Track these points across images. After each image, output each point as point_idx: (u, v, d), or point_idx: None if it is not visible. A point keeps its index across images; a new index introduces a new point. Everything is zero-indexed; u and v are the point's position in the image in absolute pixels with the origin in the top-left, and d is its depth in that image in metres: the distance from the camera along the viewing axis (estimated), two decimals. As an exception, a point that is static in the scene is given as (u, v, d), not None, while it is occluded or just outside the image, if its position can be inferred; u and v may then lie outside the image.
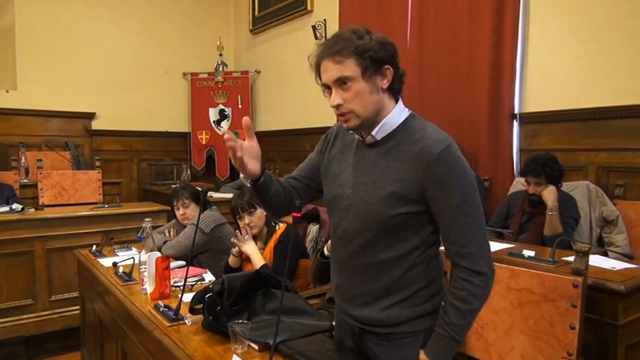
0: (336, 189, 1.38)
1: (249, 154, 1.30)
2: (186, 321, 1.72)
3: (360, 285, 1.35)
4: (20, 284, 3.41)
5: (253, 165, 1.31)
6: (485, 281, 1.24)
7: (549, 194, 2.60)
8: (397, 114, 1.30)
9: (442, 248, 1.33)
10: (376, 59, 1.23)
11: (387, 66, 1.25)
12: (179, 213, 2.90)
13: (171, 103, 6.05)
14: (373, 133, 1.30)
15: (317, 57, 1.28)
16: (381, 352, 1.35)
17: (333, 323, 1.58)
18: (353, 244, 1.34)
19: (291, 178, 1.50)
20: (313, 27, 4.87)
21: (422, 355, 1.28)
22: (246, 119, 1.31)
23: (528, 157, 2.77)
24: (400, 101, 1.32)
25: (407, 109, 1.33)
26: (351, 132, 1.35)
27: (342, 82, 1.24)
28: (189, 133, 6.06)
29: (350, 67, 1.22)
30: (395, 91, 1.30)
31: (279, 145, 5.76)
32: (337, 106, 1.26)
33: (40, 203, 4.14)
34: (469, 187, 1.23)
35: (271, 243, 2.45)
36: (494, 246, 2.45)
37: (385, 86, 1.26)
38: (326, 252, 1.98)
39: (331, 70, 1.24)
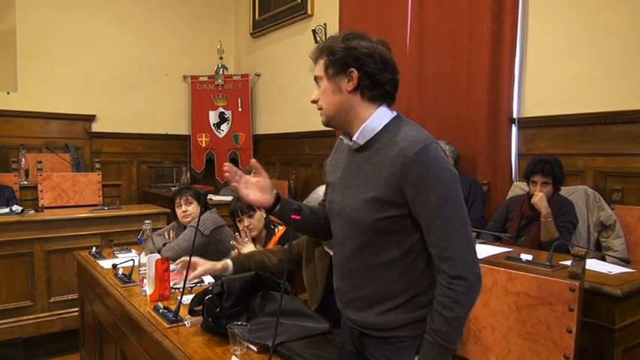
0: (331, 196, 1.42)
1: (255, 187, 1.43)
2: (185, 322, 1.73)
3: (356, 289, 1.37)
4: (19, 286, 3.41)
5: (260, 197, 1.44)
6: (467, 286, 1.20)
7: (541, 201, 2.62)
8: (378, 118, 1.31)
9: None
10: (335, 61, 1.28)
11: (350, 68, 1.28)
12: (180, 210, 2.91)
13: (171, 105, 6.07)
14: (354, 138, 1.32)
15: None
16: (380, 355, 1.36)
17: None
18: (346, 249, 1.36)
19: (320, 204, 1.59)
20: (313, 31, 4.89)
21: None
22: (252, 161, 1.47)
23: (534, 158, 2.79)
24: (383, 106, 1.33)
25: (391, 112, 1.33)
26: (341, 137, 1.40)
27: (316, 80, 1.34)
28: (189, 135, 6.07)
29: (320, 67, 1.33)
30: (373, 97, 1.31)
31: (278, 148, 5.78)
32: (314, 102, 1.36)
33: (40, 205, 4.15)
34: (447, 188, 1.21)
35: (270, 246, 2.46)
36: (492, 250, 2.46)
37: (349, 89, 1.29)
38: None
39: (314, 69, 1.35)
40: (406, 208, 1.24)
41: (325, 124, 1.38)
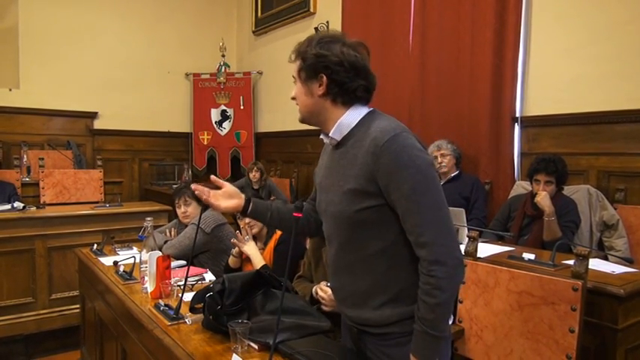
0: (319, 196, 1.46)
1: (222, 197, 1.54)
2: (186, 320, 1.73)
3: (348, 285, 1.38)
4: (21, 282, 3.41)
5: (229, 204, 1.54)
6: (447, 272, 1.19)
7: (544, 200, 2.61)
8: (352, 114, 1.33)
9: None
10: (306, 67, 1.33)
11: (320, 75, 1.31)
12: (180, 211, 2.93)
13: (173, 103, 6.07)
14: (331, 134, 1.35)
15: None
16: (379, 352, 1.36)
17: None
18: (334, 245, 1.39)
19: (307, 201, 1.63)
20: (316, 29, 4.88)
21: (411, 357, 1.27)
22: (212, 177, 1.64)
23: (538, 157, 2.78)
24: (358, 104, 1.35)
25: (366, 108, 1.36)
26: (321, 137, 1.42)
27: (293, 79, 1.39)
28: (191, 133, 6.07)
29: (294, 68, 1.38)
30: (344, 101, 1.33)
31: (280, 146, 5.77)
32: (293, 99, 1.40)
33: (42, 202, 4.15)
34: (419, 175, 1.21)
35: (271, 244, 2.46)
36: (495, 249, 2.46)
37: (320, 93, 1.32)
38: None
39: (292, 68, 1.40)
40: (382, 197, 1.25)
41: (300, 122, 1.42)
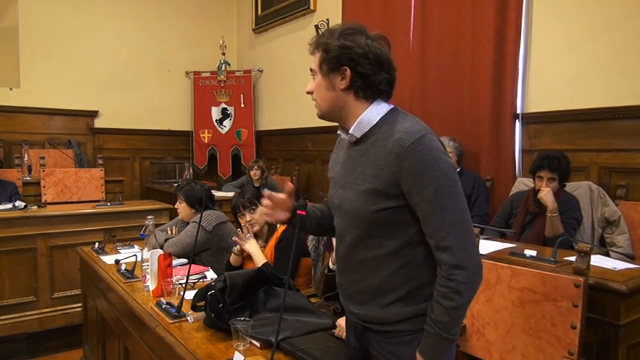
0: (332, 190, 1.43)
1: (281, 207, 1.44)
2: (188, 318, 1.73)
3: (357, 282, 1.37)
4: (23, 281, 3.42)
5: (282, 215, 1.45)
6: (467, 276, 1.19)
7: (547, 196, 2.60)
8: (374, 111, 1.30)
9: None
10: (329, 59, 1.28)
11: (344, 67, 1.27)
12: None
13: (174, 101, 6.07)
14: (351, 131, 1.32)
15: None
16: (383, 350, 1.36)
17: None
18: (346, 242, 1.37)
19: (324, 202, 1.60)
20: (316, 26, 4.87)
21: (418, 356, 1.27)
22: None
23: (541, 153, 2.77)
24: (379, 100, 1.32)
25: (387, 106, 1.33)
26: (338, 132, 1.40)
27: (312, 72, 1.35)
28: (192, 131, 6.07)
29: (315, 61, 1.33)
30: (367, 95, 1.30)
31: (281, 144, 5.77)
32: (309, 93, 1.37)
33: (43, 201, 4.15)
34: (444, 178, 1.20)
35: (272, 241, 2.46)
36: (496, 246, 2.45)
37: (342, 87, 1.29)
38: (331, 266, 1.99)
39: (311, 60, 1.36)
40: (403, 199, 1.24)
41: (320, 117, 1.39)
